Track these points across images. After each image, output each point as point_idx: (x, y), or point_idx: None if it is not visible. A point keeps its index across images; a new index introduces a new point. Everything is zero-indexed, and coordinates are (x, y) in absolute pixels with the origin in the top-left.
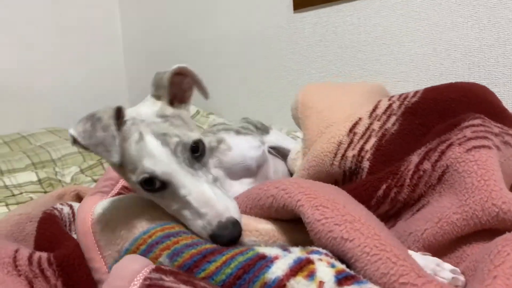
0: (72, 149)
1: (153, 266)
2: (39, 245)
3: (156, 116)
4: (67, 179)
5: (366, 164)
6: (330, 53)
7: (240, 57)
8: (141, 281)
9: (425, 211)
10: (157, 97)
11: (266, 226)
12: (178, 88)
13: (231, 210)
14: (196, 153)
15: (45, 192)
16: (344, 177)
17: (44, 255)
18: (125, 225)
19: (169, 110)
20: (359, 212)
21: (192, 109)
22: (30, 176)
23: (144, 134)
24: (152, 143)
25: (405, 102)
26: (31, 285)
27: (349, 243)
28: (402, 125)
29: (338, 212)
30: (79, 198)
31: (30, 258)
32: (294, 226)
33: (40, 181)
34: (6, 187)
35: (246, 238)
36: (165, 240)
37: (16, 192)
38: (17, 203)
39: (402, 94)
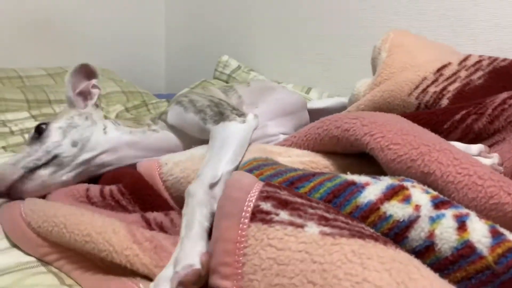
0: (117, 88)
1: (264, 181)
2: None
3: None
4: (112, 115)
5: (445, 101)
6: (384, 20)
7: (287, 15)
8: (257, 193)
9: (498, 148)
10: None
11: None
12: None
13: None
14: (38, 133)
15: None
16: (417, 110)
17: (113, 187)
18: None
19: (62, 109)
20: (432, 139)
21: (234, 63)
22: None
23: None
24: None
25: (494, 63)
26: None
27: (430, 176)
28: (486, 81)
29: (411, 146)
30: None
31: (101, 193)
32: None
33: None
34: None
35: None
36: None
37: None
38: None
39: (493, 56)
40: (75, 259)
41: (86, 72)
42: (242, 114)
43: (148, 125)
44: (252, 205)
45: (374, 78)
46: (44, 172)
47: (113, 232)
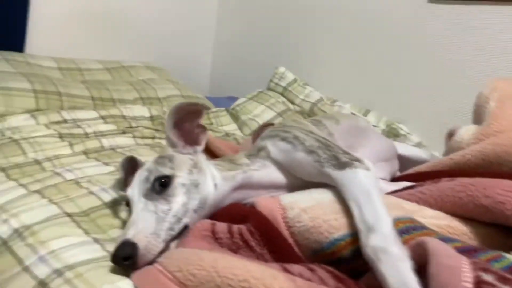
0: (176, 91)
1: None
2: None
3: (156, 157)
4: None
5: None
6: (461, 53)
7: (352, 34)
8: (467, 262)
9: None
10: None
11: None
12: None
13: (132, 233)
14: (161, 186)
15: (156, 130)
16: None
17: (242, 227)
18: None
19: (167, 152)
20: None
21: (290, 76)
22: (142, 110)
23: None
24: (136, 176)
25: None
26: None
27: None
28: None
29: None
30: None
31: (230, 230)
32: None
33: (152, 118)
34: (124, 117)
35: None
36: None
37: (133, 124)
38: (142, 137)
39: None
40: None
41: (189, 110)
42: (356, 159)
43: (247, 165)
44: (470, 275)
45: (481, 128)
46: (174, 245)
47: (273, 277)
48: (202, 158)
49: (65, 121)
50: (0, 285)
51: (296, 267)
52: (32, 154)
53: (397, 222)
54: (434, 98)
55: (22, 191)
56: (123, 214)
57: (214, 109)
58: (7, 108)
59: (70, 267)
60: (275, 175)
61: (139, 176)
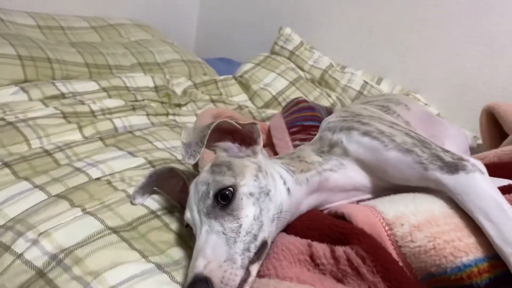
0: (176, 55)
1: None
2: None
3: (209, 166)
4: (178, 90)
5: None
6: (489, 19)
7: None
8: None
9: None
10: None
11: None
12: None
13: (201, 265)
14: (224, 199)
15: (162, 102)
16: None
17: (348, 250)
18: None
19: (221, 158)
20: None
21: (296, 39)
22: (146, 80)
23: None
24: (191, 193)
25: None
26: (341, 283)
27: None
28: None
29: None
30: None
31: (334, 255)
32: None
33: (156, 89)
34: (127, 88)
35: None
36: None
37: (138, 97)
38: (155, 114)
39: None
40: None
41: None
42: (462, 159)
43: (319, 164)
44: None
45: None
46: (255, 268)
47: None
48: (265, 159)
49: (63, 95)
50: None
51: None
52: (36, 142)
53: None
54: (455, 66)
55: (41, 195)
56: (174, 225)
57: (222, 77)
58: None
59: None
60: (357, 177)
61: (195, 192)
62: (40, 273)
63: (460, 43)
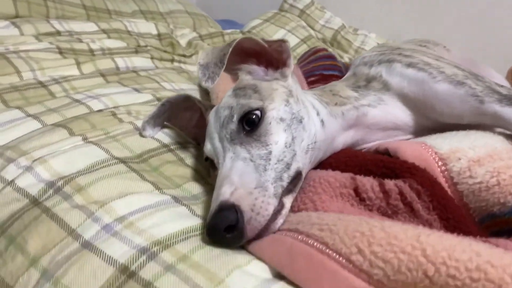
0: (180, 6)
1: None
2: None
3: (232, 90)
4: (182, 42)
5: None
6: None
7: None
8: None
9: None
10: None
11: None
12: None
13: (228, 192)
14: (250, 124)
15: (165, 51)
16: None
17: (401, 184)
18: None
19: (246, 81)
20: None
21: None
22: (148, 26)
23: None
24: (211, 121)
25: None
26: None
27: None
28: None
29: None
30: None
31: (383, 189)
32: None
33: (159, 36)
34: (129, 33)
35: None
36: None
37: (141, 43)
38: (160, 58)
39: None
40: None
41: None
42: None
43: (355, 99)
44: None
45: None
46: (289, 200)
47: None
48: (296, 84)
49: (58, 33)
50: (50, 269)
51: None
52: (29, 74)
53: None
54: (477, 28)
55: (34, 124)
56: (190, 160)
57: (229, 31)
58: None
59: (165, 245)
60: (398, 114)
61: (216, 119)
62: (35, 202)
63: (479, 2)
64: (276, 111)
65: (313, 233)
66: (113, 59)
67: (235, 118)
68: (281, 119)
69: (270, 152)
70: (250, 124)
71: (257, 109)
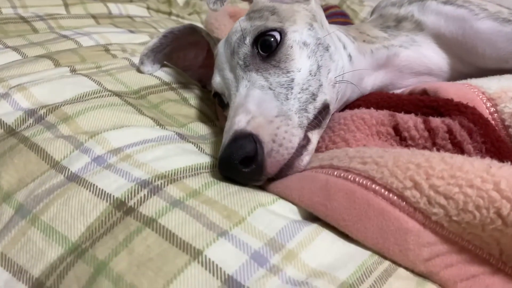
0: None
1: None
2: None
3: (246, 14)
4: (180, 1)
5: None
6: None
7: None
8: None
9: None
10: None
11: None
12: None
13: (244, 120)
14: (266, 49)
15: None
16: None
17: (450, 121)
18: None
19: (261, 4)
20: None
21: None
22: None
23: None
24: (220, 51)
25: None
26: None
27: None
28: None
29: None
30: None
31: (428, 126)
32: None
33: None
34: None
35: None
36: None
37: None
38: (157, 10)
39: None
40: None
41: None
42: None
43: (384, 39)
44: None
45: None
46: (316, 135)
47: None
48: (320, 10)
49: None
50: (26, 204)
51: None
52: (9, 10)
53: None
54: None
55: (14, 55)
56: (194, 101)
57: None
58: None
59: (171, 179)
60: (433, 57)
61: (226, 47)
62: (11, 131)
63: None
64: (299, 33)
65: (354, 167)
66: (105, 4)
67: (248, 40)
68: (305, 44)
69: (292, 80)
70: (267, 48)
71: (276, 29)
